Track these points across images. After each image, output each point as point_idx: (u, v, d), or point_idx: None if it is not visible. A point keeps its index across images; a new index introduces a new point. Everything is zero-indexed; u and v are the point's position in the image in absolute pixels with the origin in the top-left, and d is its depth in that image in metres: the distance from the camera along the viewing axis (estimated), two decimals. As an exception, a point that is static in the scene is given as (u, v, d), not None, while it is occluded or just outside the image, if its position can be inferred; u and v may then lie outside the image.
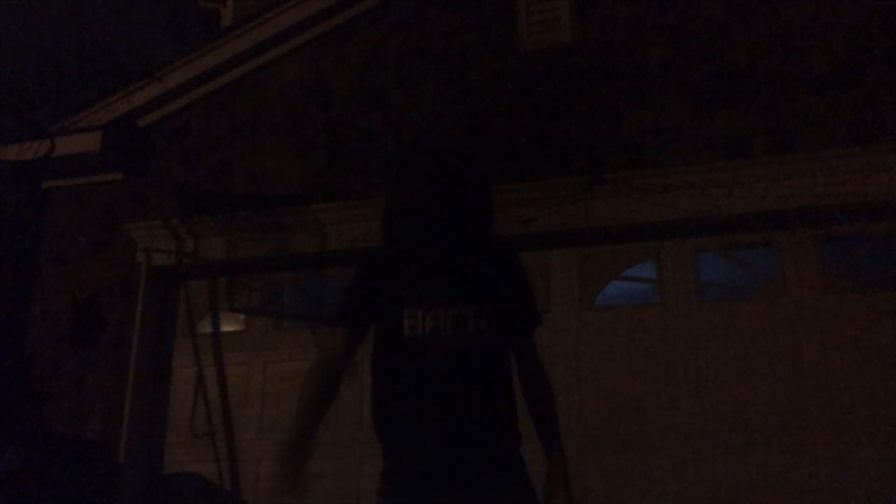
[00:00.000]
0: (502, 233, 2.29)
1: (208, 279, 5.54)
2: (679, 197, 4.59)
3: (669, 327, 4.64)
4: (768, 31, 4.84)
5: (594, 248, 4.84)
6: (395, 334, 2.02)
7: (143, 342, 5.33)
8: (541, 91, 5.12)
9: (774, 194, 4.46)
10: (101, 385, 5.28)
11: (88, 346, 5.38)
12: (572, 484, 2.03)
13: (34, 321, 5.60)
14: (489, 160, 4.85)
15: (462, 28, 5.41)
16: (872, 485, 4.09)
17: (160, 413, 5.34)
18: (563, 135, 4.97)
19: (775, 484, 4.23)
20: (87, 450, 5.10)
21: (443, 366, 1.98)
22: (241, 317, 5.52)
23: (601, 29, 5.15)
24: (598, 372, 4.67)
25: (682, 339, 4.60)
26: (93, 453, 5.08)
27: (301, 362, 5.19)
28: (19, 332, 5.56)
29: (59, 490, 4.95)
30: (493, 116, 5.12)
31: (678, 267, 4.74)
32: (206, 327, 5.51)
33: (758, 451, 4.30)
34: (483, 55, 5.31)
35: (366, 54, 5.57)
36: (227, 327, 5.50)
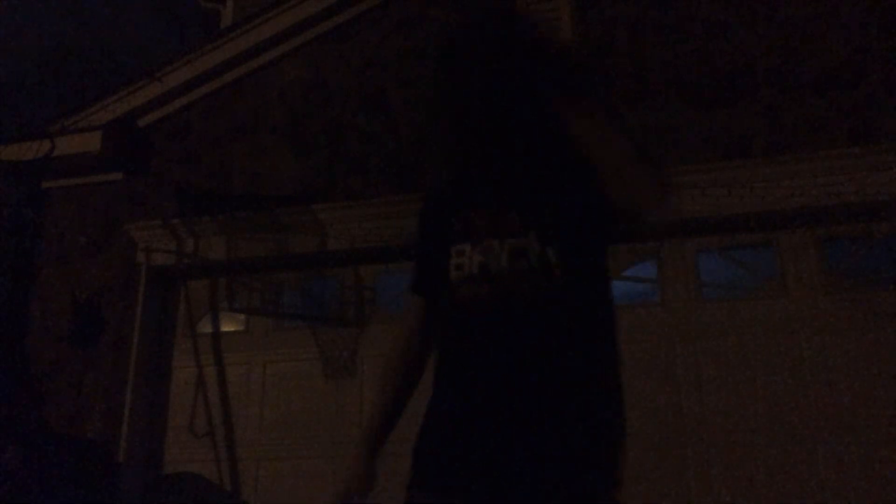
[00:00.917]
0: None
1: (208, 279, 5.54)
2: (680, 197, 4.59)
3: (670, 327, 4.64)
4: (768, 32, 4.84)
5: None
6: (444, 283, 1.55)
7: (143, 342, 5.33)
8: (541, 91, 5.11)
9: (775, 194, 4.46)
10: (101, 385, 5.28)
11: (88, 345, 5.38)
12: None
13: (34, 321, 5.59)
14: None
15: (463, 27, 5.40)
16: (873, 484, 4.09)
17: (160, 413, 5.34)
18: (563, 135, 4.96)
19: (775, 483, 4.23)
20: (87, 450, 5.09)
21: (494, 321, 1.45)
22: (242, 317, 5.53)
23: (601, 28, 5.15)
24: (598, 372, 4.66)
25: (682, 338, 4.60)
26: (93, 453, 5.08)
27: (301, 362, 5.20)
28: (19, 332, 5.56)
29: (59, 490, 4.95)
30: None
31: (679, 267, 4.74)
32: (206, 327, 5.51)
33: (758, 450, 4.30)
34: (483, 55, 5.30)
35: (366, 54, 5.57)
36: (227, 327, 5.50)
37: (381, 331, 5.06)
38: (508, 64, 1.49)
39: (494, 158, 1.56)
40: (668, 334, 4.63)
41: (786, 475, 4.22)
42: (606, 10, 5.17)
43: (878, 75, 4.59)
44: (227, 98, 5.77)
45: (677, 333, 4.62)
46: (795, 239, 4.58)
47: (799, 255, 4.57)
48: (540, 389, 1.40)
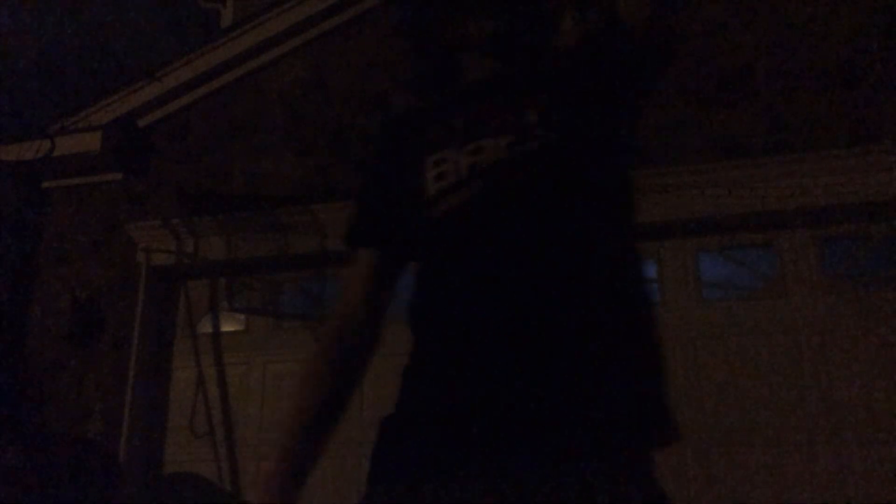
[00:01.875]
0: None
1: (208, 279, 5.54)
2: (679, 197, 4.59)
3: (670, 327, 4.64)
4: (768, 31, 4.84)
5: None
6: (415, 211, 1.14)
7: (143, 342, 5.33)
8: (541, 91, 5.11)
9: (775, 194, 4.46)
10: (101, 384, 5.28)
11: (88, 345, 5.38)
12: None
13: (34, 321, 5.59)
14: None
15: (462, 28, 5.41)
16: (872, 484, 4.09)
17: (160, 413, 5.34)
18: (564, 135, 4.96)
19: (775, 483, 4.23)
20: (87, 449, 5.09)
21: (498, 224, 1.05)
22: (241, 317, 5.53)
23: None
24: (599, 372, 4.66)
25: (682, 339, 4.60)
26: (93, 453, 5.08)
27: (301, 362, 5.20)
28: (19, 332, 5.56)
29: (60, 489, 4.95)
30: None
31: (679, 267, 4.74)
32: (206, 327, 5.51)
33: (758, 450, 4.30)
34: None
35: (366, 54, 5.57)
36: (227, 327, 5.50)
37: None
38: None
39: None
40: (667, 335, 4.63)
41: (786, 476, 4.22)
42: (605, 9, 5.16)
43: (878, 75, 4.59)
44: (228, 98, 5.77)
45: (677, 334, 4.62)
46: (796, 239, 4.58)
47: (799, 256, 4.57)
48: (564, 328, 1.00)
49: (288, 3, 5.70)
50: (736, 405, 4.41)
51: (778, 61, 4.77)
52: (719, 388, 4.46)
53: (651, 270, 4.84)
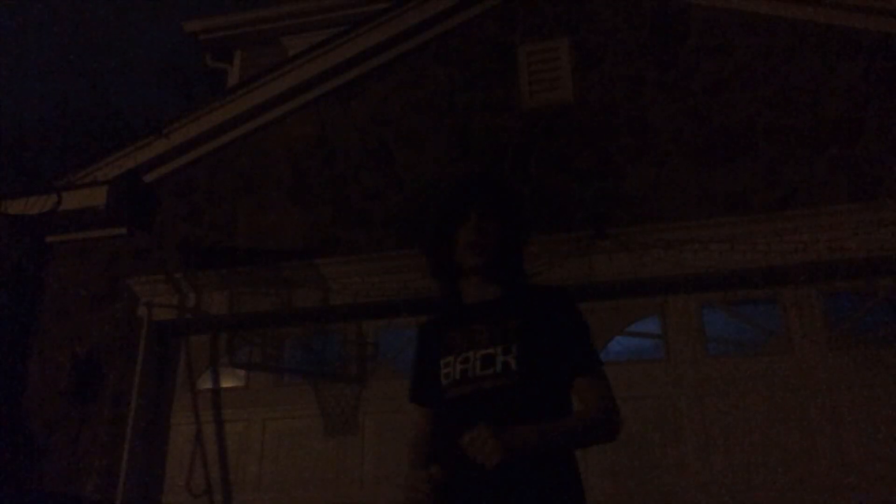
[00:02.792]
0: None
1: (209, 334, 5.51)
2: (682, 252, 4.59)
3: (675, 383, 4.59)
4: (767, 89, 4.92)
5: (597, 304, 4.81)
6: (437, 389, 2.00)
7: (142, 397, 5.27)
8: (542, 148, 5.17)
9: (777, 249, 4.47)
10: (99, 441, 5.20)
11: (87, 401, 5.32)
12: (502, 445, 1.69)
13: (33, 375, 5.55)
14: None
15: (465, 86, 5.50)
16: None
17: (158, 470, 5.24)
18: (565, 191, 5.00)
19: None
20: (82, 508, 4.99)
21: (472, 409, 1.87)
22: (241, 372, 5.48)
23: (602, 87, 5.23)
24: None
25: (688, 394, 4.54)
26: (88, 512, 4.98)
27: (301, 419, 5.13)
28: (18, 387, 5.50)
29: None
30: (496, 173, 5.16)
31: (683, 322, 4.71)
32: (206, 383, 5.45)
33: (767, 511, 4.20)
34: (485, 112, 5.38)
35: (370, 111, 5.65)
36: (227, 383, 5.45)
37: (383, 387, 5.00)
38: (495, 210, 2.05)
39: (477, 285, 2.05)
40: (673, 390, 4.58)
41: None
42: (607, 68, 5.26)
43: (877, 133, 4.64)
44: (233, 154, 5.83)
45: (682, 390, 4.56)
46: (799, 294, 4.56)
47: (803, 311, 4.55)
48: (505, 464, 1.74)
49: (293, 63, 5.81)
50: (743, 462, 4.32)
51: (778, 117, 4.83)
52: (726, 444, 4.38)
53: (655, 326, 4.81)
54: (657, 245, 4.63)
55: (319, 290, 5.19)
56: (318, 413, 5.09)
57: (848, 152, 4.63)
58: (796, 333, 4.52)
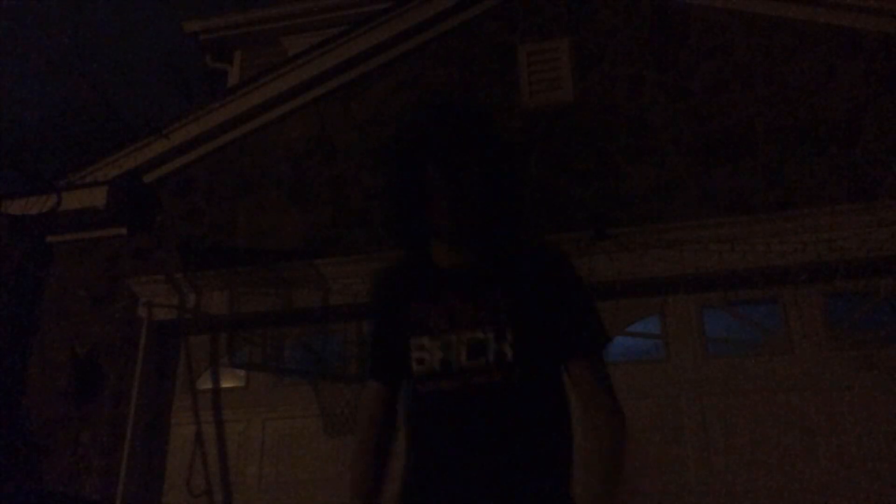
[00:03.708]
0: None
1: (209, 334, 5.51)
2: (682, 252, 4.59)
3: (675, 383, 4.59)
4: (767, 89, 4.92)
5: (598, 304, 4.80)
6: (404, 372, 1.62)
7: (142, 398, 5.26)
8: (542, 148, 5.17)
9: (777, 250, 4.47)
10: (98, 441, 5.20)
11: (87, 401, 5.31)
12: None
13: (33, 375, 5.54)
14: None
15: (465, 86, 5.50)
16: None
17: (158, 470, 5.24)
18: (565, 191, 5.00)
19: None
20: (83, 508, 4.99)
21: (459, 411, 1.53)
22: (241, 373, 5.47)
23: (602, 87, 5.23)
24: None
25: (688, 395, 4.54)
26: (88, 511, 4.98)
27: (301, 419, 5.13)
28: (18, 387, 5.50)
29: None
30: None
31: (683, 322, 4.71)
32: (205, 383, 5.45)
33: (767, 511, 4.20)
34: (486, 112, 5.38)
35: (370, 111, 5.65)
36: (227, 383, 5.45)
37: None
38: (466, 157, 1.59)
39: (452, 250, 1.63)
40: (673, 390, 4.58)
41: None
42: (607, 68, 5.26)
43: (876, 133, 4.64)
44: (233, 154, 5.83)
45: (682, 390, 4.56)
46: (799, 294, 4.56)
47: (803, 311, 4.55)
48: (498, 471, 1.49)
49: (293, 63, 5.81)
50: (743, 462, 4.32)
51: (778, 117, 4.83)
52: (726, 445, 4.38)
53: (655, 326, 4.81)
54: (657, 245, 4.63)
55: (319, 290, 5.19)
56: (318, 413, 5.09)
57: (848, 152, 4.63)
58: (796, 333, 4.52)
